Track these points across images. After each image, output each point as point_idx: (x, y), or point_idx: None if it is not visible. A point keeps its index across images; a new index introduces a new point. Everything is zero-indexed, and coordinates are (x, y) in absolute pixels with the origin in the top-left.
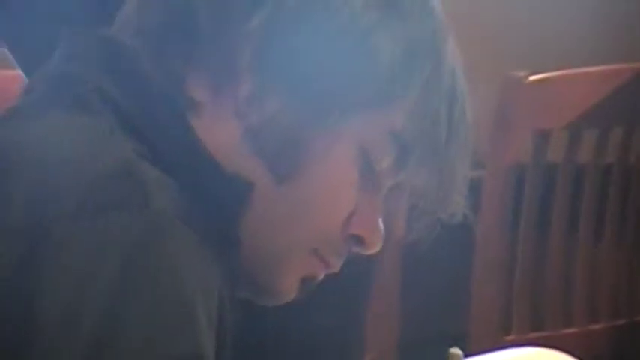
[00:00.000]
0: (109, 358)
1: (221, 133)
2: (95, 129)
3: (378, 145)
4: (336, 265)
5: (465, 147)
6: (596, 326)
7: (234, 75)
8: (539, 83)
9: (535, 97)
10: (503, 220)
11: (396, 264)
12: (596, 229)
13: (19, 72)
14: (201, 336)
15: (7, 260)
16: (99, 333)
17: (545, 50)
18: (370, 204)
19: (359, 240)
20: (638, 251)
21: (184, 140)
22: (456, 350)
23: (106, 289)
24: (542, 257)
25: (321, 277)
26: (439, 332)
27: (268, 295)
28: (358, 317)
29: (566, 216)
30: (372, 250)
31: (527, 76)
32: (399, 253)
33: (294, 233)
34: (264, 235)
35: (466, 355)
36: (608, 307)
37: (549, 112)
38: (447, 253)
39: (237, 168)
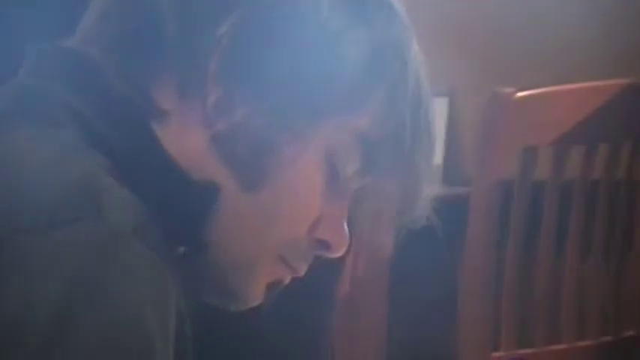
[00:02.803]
0: None
1: (188, 140)
2: (59, 143)
3: (344, 151)
4: (302, 269)
5: (430, 150)
6: (584, 343)
7: (201, 82)
8: (525, 100)
9: (522, 114)
10: (491, 237)
11: (383, 283)
12: (583, 246)
13: None
14: (152, 347)
15: None
16: (47, 341)
17: (533, 67)
18: (336, 209)
19: (324, 245)
20: (625, 267)
21: (149, 150)
22: None
23: (55, 300)
24: (529, 274)
25: (287, 281)
26: (427, 349)
27: (236, 300)
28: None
29: (553, 232)
30: (337, 254)
31: (514, 93)
32: (386, 272)
33: (262, 240)
34: (232, 242)
35: None
36: (596, 324)
37: (536, 129)
38: (435, 270)
39: (205, 175)
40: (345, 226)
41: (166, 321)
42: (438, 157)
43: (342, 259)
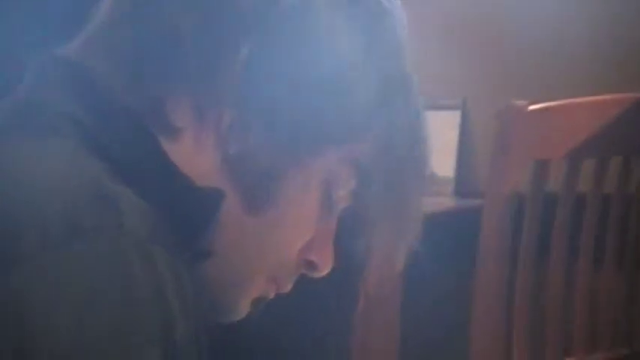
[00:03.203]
0: None
1: (199, 159)
2: (64, 153)
3: (341, 177)
4: (288, 287)
5: (423, 171)
6: (596, 356)
7: (218, 104)
8: (538, 113)
9: (535, 127)
10: (503, 250)
11: (396, 302)
12: (595, 259)
13: None
14: (179, 350)
15: None
16: (71, 347)
17: (546, 79)
18: (325, 230)
19: (311, 265)
20: (638, 281)
21: (152, 158)
22: None
23: (77, 307)
24: (541, 287)
25: (271, 297)
26: None
27: (222, 314)
28: (343, 325)
29: (566, 245)
30: (322, 274)
31: (527, 106)
32: (398, 287)
33: (261, 260)
34: (229, 262)
35: None
36: (608, 337)
37: (549, 142)
38: (447, 284)
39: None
40: (332, 247)
41: (190, 322)
42: (450, 170)
43: (360, 277)
